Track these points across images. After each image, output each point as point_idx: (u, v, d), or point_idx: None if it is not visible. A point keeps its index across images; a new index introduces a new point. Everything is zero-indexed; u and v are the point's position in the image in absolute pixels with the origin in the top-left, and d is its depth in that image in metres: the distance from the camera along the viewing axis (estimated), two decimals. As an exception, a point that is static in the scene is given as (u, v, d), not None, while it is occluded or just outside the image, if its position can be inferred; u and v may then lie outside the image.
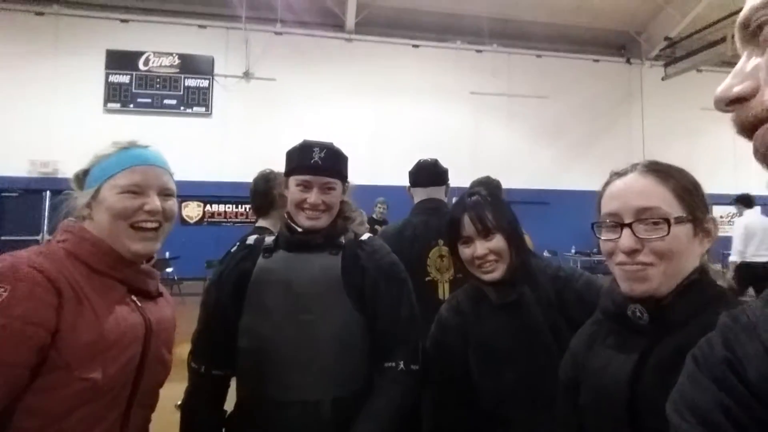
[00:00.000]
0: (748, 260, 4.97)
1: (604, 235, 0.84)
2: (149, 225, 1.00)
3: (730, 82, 0.44)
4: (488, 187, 2.58)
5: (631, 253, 0.79)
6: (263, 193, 2.27)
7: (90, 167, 1.02)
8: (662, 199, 0.79)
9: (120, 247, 0.98)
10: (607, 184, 0.87)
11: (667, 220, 0.77)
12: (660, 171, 0.82)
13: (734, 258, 5.13)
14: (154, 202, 1.00)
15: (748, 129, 0.43)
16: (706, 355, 0.53)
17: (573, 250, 10.90)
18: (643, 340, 0.79)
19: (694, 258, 0.81)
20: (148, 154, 1.05)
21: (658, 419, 0.55)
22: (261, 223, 2.28)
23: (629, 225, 0.79)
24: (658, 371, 0.74)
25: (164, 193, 1.04)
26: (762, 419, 0.45)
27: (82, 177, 1.03)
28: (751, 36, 0.43)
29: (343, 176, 1.35)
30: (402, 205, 2.27)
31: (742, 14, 0.43)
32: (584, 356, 0.90)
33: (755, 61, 0.42)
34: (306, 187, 1.28)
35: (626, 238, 0.79)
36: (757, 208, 5.27)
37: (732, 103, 0.43)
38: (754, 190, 12.36)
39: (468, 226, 1.23)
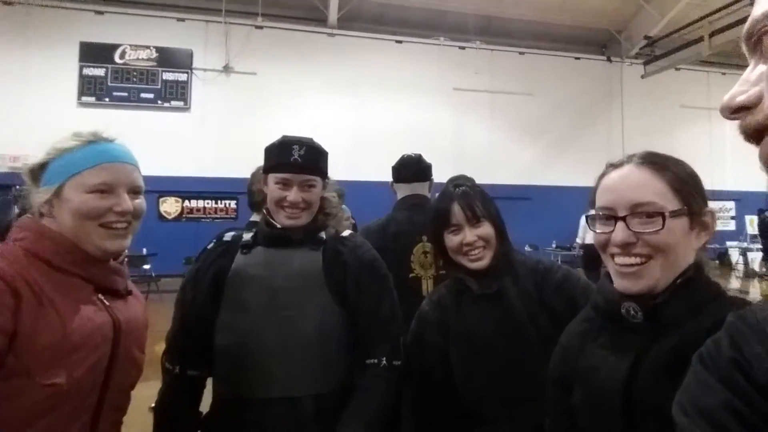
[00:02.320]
0: (588, 242, 7.52)
1: (598, 228, 0.82)
2: (119, 225, 0.95)
3: (735, 91, 0.43)
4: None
5: (625, 246, 0.77)
6: (249, 190, 2.27)
7: (48, 160, 0.95)
8: (658, 192, 0.77)
9: (88, 246, 0.93)
10: (602, 175, 0.85)
11: (662, 214, 0.75)
12: (656, 163, 0.80)
13: (579, 240, 8.21)
14: (126, 202, 0.95)
15: (753, 136, 0.43)
16: (713, 355, 0.52)
17: (554, 245, 11.05)
18: (638, 340, 0.78)
19: (690, 252, 0.79)
20: (116, 150, 0.98)
21: (654, 421, 0.54)
22: (255, 217, 2.28)
23: (623, 218, 0.78)
24: (654, 373, 0.72)
25: (133, 191, 0.99)
26: None
27: (38, 171, 0.95)
28: (754, 46, 0.43)
29: (323, 173, 1.33)
30: (384, 201, 2.25)
31: (746, 26, 0.44)
32: (576, 354, 0.88)
33: (760, 69, 0.43)
34: (285, 185, 1.26)
35: (620, 232, 0.78)
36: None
37: (736, 111, 0.43)
38: (729, 185, 12.70)
39: (458, 214, 1.24)
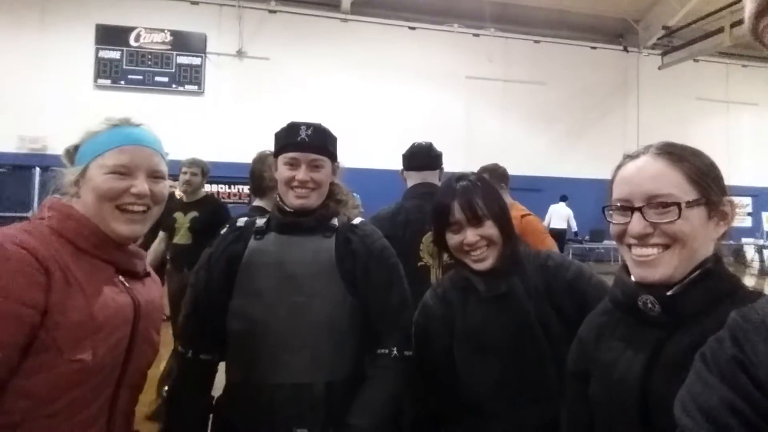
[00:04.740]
0: (551, 227, 9.84)
1: (615, 219, 0.82)
2: (136, 208, 0.97)
3: None
4: (494, 174, 2.58)
5: (642, 237, 0.77)
6: (259, 175, 2.27)
7: (80, 143, 0.99)
8: (674, 183, 0.76)
9: (105, 228, 0.95)
10: (619, 167, 0.85)
11: (677, 204, 0.74)
12: (673, 153, 0.79)
13: (545, 223, 9.71)
14: (142, 185, 0.97)
15: None
16: (715, 354, 0.52)
17: (566, 237, 10.98)
18: (655, 334, 0.77)
19: (708, 242, 0.78)
20: (139, 134, 1.01)
21: (669, 417, 0.54)
22: (258, 203, 2.29)
23: (639, 209, 0.77)
24: (671, 368, 0.71)
25: (154, 176, 1.00)
26: None
27: (72, 152, 0.99)
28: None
29: (331, 154, 1.32)
30: (394, 188, 2.25)
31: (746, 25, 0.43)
32: (594, 347, 0.88)
33: None
34: (293, 164, 1.26)
35: (636, 223, 0.77)
36: (562, 203, 10.54)
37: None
38: (746, 181, 12.50)
39: (458, 213, 1.18)
